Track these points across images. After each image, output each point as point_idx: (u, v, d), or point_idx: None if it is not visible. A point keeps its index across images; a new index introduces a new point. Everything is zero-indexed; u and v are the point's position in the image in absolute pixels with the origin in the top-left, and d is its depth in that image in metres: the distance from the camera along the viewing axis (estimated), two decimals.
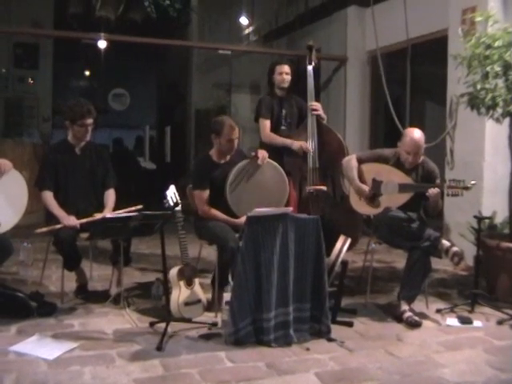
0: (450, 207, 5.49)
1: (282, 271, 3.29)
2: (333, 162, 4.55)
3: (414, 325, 3.63)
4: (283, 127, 4.70)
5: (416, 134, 3.95)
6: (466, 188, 3.70)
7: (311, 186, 4.55)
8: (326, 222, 4.12)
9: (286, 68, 4.68)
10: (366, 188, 4.04)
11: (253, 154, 4.08)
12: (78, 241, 3.86)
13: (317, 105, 4.70)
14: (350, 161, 4.17)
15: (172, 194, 3.63)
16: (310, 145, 4.56)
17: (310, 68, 4.85)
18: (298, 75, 4.88)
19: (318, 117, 4.67)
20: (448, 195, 3.76)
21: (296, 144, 4.54)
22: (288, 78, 4.68)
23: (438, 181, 3.98)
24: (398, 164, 4.02)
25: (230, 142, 3.94)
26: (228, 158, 4.05)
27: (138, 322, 3.58)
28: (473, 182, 3.71)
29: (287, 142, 4.58)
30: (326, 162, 4.60)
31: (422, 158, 4.02)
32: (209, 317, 3.65)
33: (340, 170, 4.41)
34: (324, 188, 4.56)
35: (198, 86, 12.00)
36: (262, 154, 4.06)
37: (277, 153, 4.42)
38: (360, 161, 4.15)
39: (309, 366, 2.96)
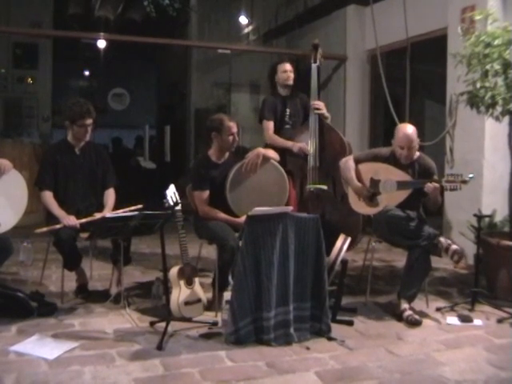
0: (449, 205, 5.49)
1: (282, 270, 3.29)
2: (334, 161, 4.53)
3: (414, 323, 3.63)
4: (287, 126, 4.70)
5: (408, 128, 3.99)
6: (464, 181, 3.70)
7: (311, 184, 4.54)
8: (327, 221, 4.12)
9: (289, 66, 4.69)
10: (364, 187, 4.04)
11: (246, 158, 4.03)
12: (78, 241, 3.87)
13: (320, 104, 4.69)
14: (347, 162, 4.17)
15: (172, 193, 3.63)
16: (311, 144, 4.55)
17: (314, 66, 4.83)
18: (298, 74, 4.87)
19: (321, 116, 4.67)
20: (447, 190, 3.76)
21: (296, 147, 4.54)
22: (292, 75, 4.69)
23: (435, 176, 3.99)
24: (395, 162, 4.02)
25: (232, 136, 3.94)
26: (227, 156, 4.05)
27: (138, 322, 3.58)
28: (471, 175, 3.71)
29: (288, 144, 4.58)
30: (327, 161, 4.59)
31: (418, 154, 4.03)
32: (209, 316, 3.65)
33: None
34: (325, 187, 4.55)
35: (198, 86, 11.98)
36: (252, 155, 4.00)
37: (280, 152, 4.41)
38: (357, 161, 4.15)
39: (309, 365, 2.97)
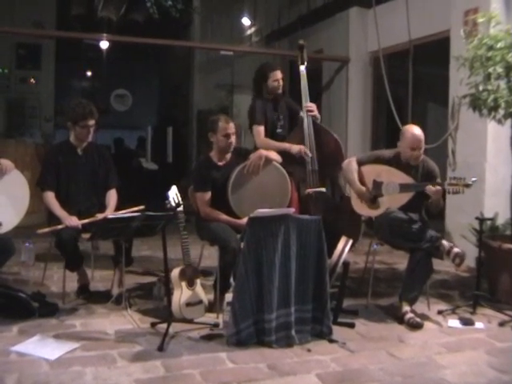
0: (451, 208, 5.48)
1: (284, 272, 3.29)
2: (331, 162, 4.53)
3: (415, 326, 3.63)
4: (279, 130, 4.64)
5: (415, 129, 4.00)
6: (467, 185, 3.69)
7: (310, 188, 4.52)
8: (327, 222, 4.12)
9: (280, 74, 4.60)
10: (366, 190, 4.04)
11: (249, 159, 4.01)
12: (79, 241, 3.87)
13: (312, 105, 4.64)
14: (350, 163, 4.16)
15: (174, 194, 3.63)
16: (308, 147, 4.53)
17: (302, 68, 4.76)
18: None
19: (314, 117, 4.65)
20: (449, 193, 3.75)
21: (295, 148, 4.47)
22: (282, 82, 4.62)
23: (438, 179, 3.98)
24: (399, 164, 4.02)
25: (226, 137, 3.92)
26: (229, 158, 4.04)
27: (139, 323, 3.58)
28: (473, 179, 3.71)
29: (285, 146, 4.49)
30: (324, 163, 4.57)
31: (422, 156, 4.02)
32: (210, 318, 3.64)
33: (340, 173, 4.40)
34: (323, 189, 4.54)
35: (200, 87, 12.00)
36: (255, 157, 3.98)
37: None
38: (360, 163, 4.14)
39: (310, 368, 2.96)
